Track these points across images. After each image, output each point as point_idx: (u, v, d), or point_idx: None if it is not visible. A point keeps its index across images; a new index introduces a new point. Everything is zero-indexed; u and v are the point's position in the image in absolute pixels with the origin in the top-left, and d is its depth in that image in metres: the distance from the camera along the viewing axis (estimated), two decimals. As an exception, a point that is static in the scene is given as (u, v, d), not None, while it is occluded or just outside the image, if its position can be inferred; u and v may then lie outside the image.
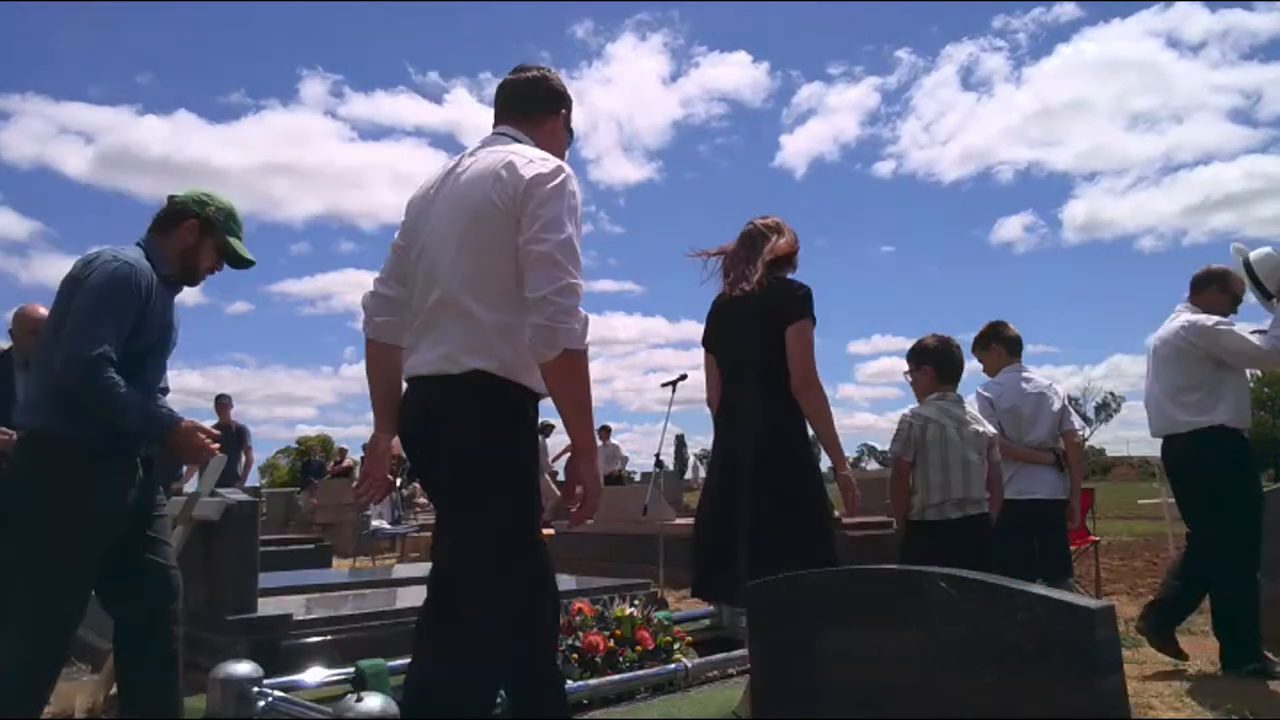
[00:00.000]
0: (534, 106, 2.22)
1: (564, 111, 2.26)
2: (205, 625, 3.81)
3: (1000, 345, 4.29)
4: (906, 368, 3.70)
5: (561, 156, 2.16)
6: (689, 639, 3.82)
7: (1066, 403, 4.27)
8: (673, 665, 3.54)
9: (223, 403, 9.59)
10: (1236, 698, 3.54)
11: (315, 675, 3.25)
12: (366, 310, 2.21)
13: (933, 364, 3.60)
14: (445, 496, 2.03)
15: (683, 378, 6.28)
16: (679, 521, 8.91)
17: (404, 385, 2.12)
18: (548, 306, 1.84)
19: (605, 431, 14.32)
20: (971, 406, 3.74)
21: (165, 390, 2.66)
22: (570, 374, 1.90)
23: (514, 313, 1.92)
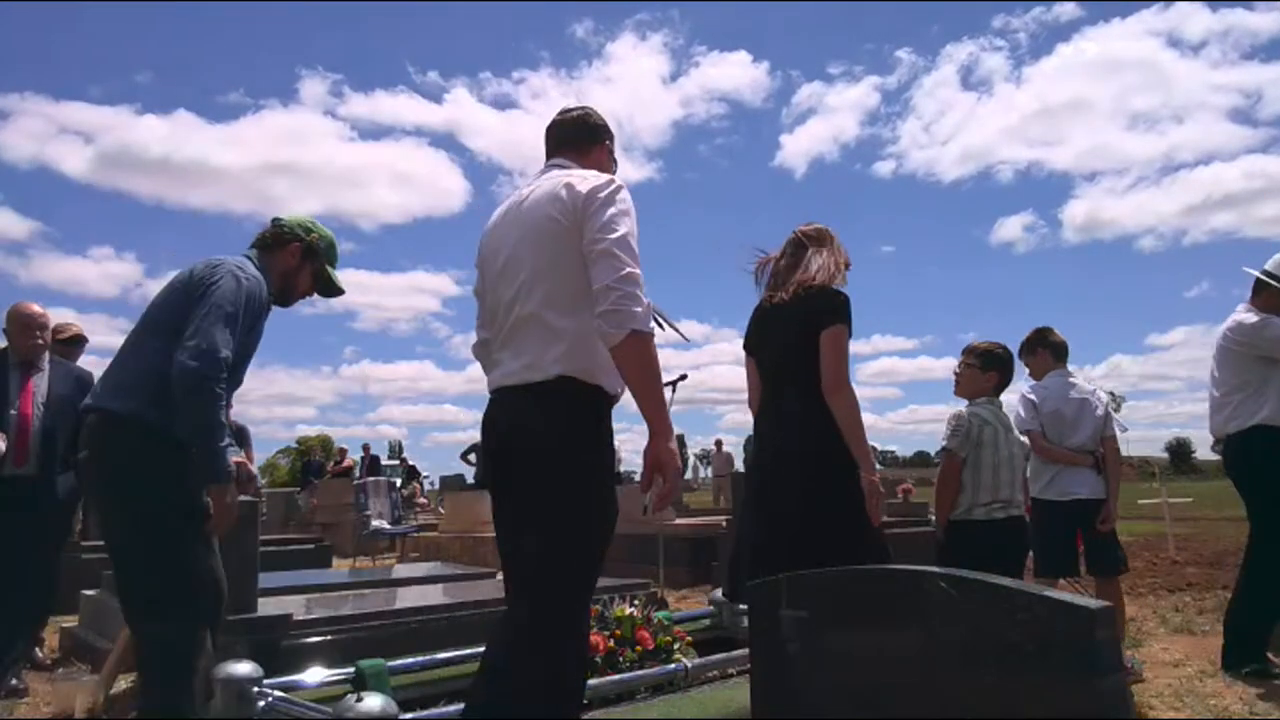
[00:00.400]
0: (580, 140, 2.44)
1: (607, 142, 2.49)
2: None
3: (1046, 350, 4.35)
4: (963, 361, 3.80)
5: None
6: (689, 639, 3.81)
7: (1110, 409, 4.35)
8: (673, 665, 3.54)
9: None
10: (1236, 698, 3.54)
11: (315, 675, 3.25)
12: (481, 359, 2.41)
13: (1000, 372, 3.73)
14: (530, 498, 2.13)
15: (683, 378, 6.26)
16: (679, 522, 8.91)
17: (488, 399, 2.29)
18: (611, 293, 2.01)
19: None
20: (1014, 408, 3.89)
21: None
22: (638, 354, 2.03)
23: (589, 319, 2.07)
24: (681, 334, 2.89)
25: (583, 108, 2.50)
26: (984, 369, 3.72)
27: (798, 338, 2.89)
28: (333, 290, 2.84)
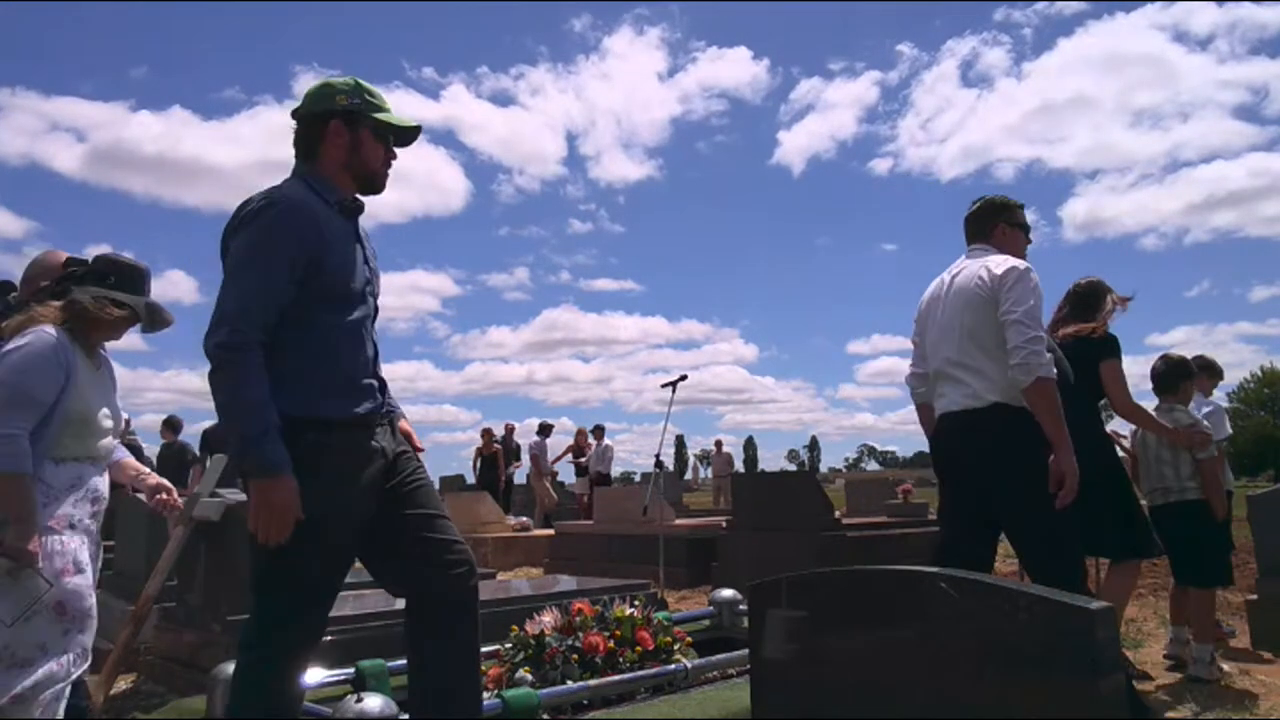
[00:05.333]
0: (984, 225, 3.23)
1: (1000, 224, 3.20)
2: (205, 625, 3.81)
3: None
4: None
5: (1021, 249, 3.20)
6: (689, 639, 3.81)
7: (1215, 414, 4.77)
8: (673, 665, 3.53)
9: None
10: (1235, 698, 3.54)
11: (315, 675, 3.23)
12: (911, 387, 3.37)
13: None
14: (992, 490, 2.91)
15: (683, 378, 6.28)
16: (679, 522, 8.90)
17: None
18: (1021, 351, 2.80)
19: (599, 431, 14.26)
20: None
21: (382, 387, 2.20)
22: (1044, 394, 2.82)
23: (1006, 364, 2.86)
24: None
25: (982, 198, 3.29)
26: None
27: (1076, 371, 3.63)
28: (406, 133, 2.24)
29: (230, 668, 2.95)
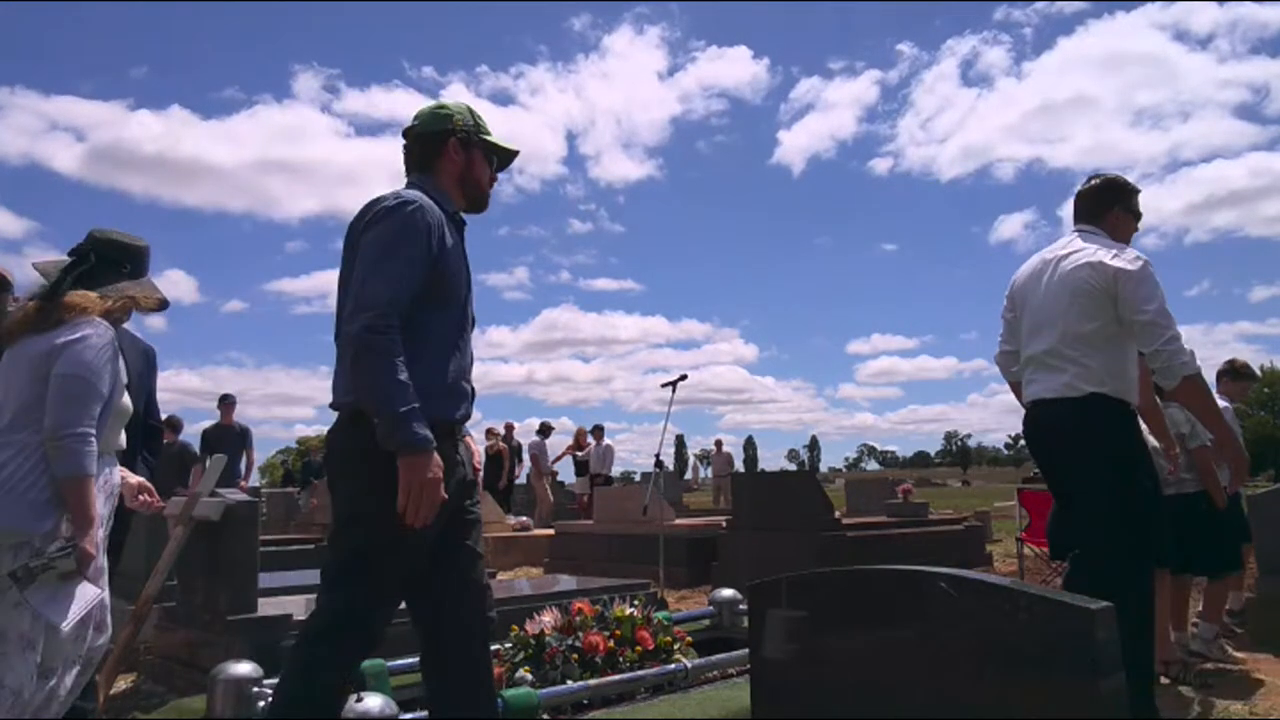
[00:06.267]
0: (1099, 207, 3.06)
1: (1117, 208, 3.04)
2: (205, 625, 3.80)
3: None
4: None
5: (1130, 236, 3.05)
6: (689, 639, 3.81)
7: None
8: (673, 665, 3.53)
9: (227, 403, 9.58)
10: (1235, 698, 3.54)
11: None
12: (1002, 365, 3.28)
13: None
14: (1078, 480, 2.88)
15: (683, 378, 6.27)
16: (679, 522, 8.90)
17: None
18: (1162, 354, 2.70)
19: (599, 431, 14.25)
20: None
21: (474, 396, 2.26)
22: (1194, 392, 2.76)
23: (1110, 356, 2.82)
24: None
25: (1099, 176, 3.11)
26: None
27: None
28: (508, 155, 2.42)
29: (232, 667, 2.97)
